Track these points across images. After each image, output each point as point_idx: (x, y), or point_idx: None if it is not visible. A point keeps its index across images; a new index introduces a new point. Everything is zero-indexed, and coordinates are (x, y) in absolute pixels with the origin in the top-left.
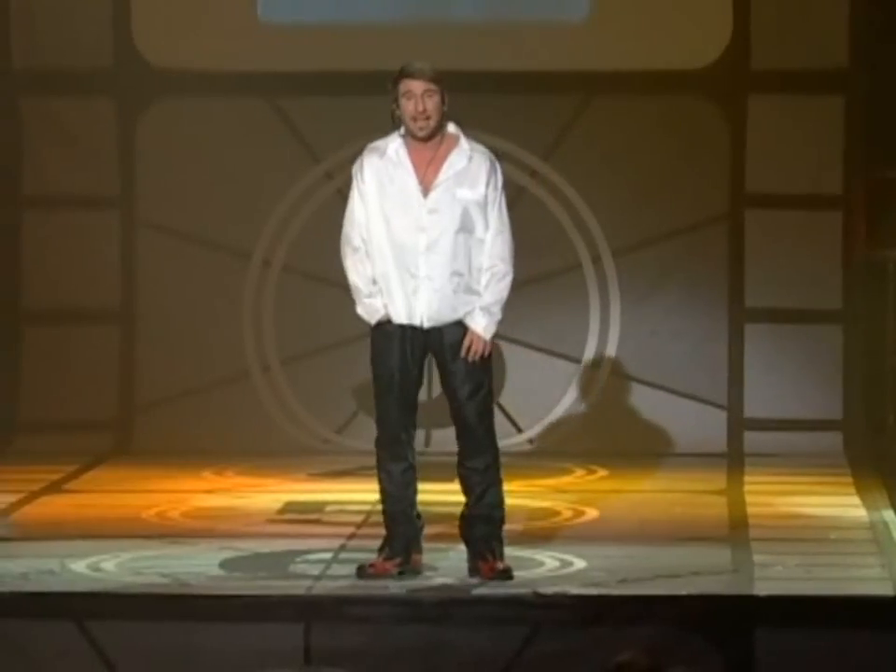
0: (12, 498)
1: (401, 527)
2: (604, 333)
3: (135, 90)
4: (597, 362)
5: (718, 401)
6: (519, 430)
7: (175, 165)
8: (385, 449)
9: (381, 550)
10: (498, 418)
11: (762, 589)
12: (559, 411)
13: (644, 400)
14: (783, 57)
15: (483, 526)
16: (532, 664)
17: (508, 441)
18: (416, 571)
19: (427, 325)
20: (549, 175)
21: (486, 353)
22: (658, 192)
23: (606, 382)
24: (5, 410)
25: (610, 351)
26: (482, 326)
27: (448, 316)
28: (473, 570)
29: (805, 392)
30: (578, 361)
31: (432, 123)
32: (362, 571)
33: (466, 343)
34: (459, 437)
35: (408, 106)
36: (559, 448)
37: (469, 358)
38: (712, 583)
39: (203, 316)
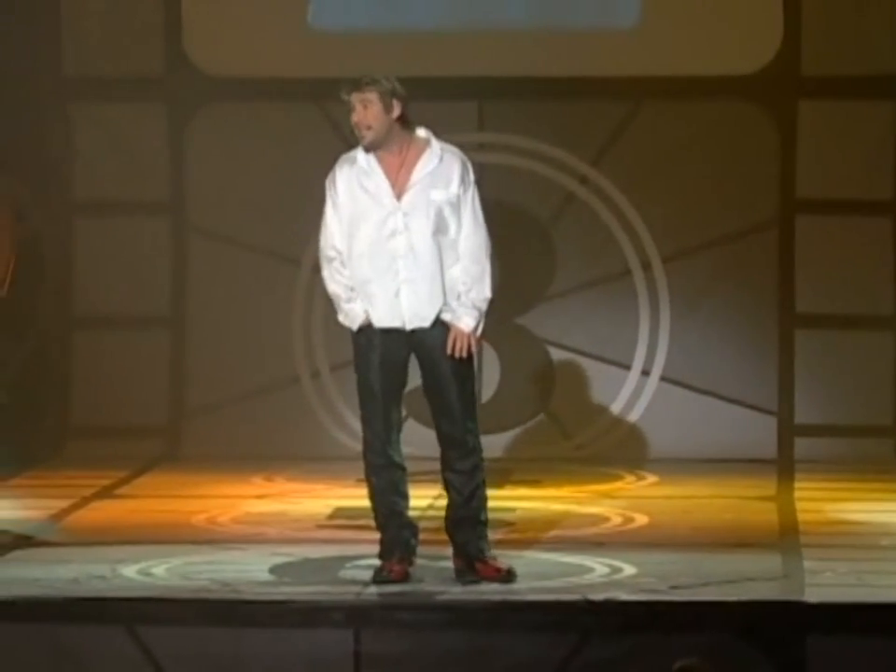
0: (63, 504)
1: (394, 531)
2: (653, 339)
3: (186, 96)
4: (647, 368)
5: (768, 407)
6: (568, 436)
7: (225, 171)
8: (372, 453)
9: (380, 556)
10: (547, 424)
11: (812, 595)
12: (608, 417)
13: (694, 406)
14: (833, 62)
15: (473, 528)
16: (581, 671)
17: (556, 446)
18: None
19: (409, 326)
20: (598, 181)
21: (472, 349)
22: (708, 198)
23: (655, 388)
24: (56, 416)
25: (660, 357)
26: (464, 322)
27: (430, 316)
28: (465, 571)
29: (856, 398)
30: (627, 367)
31: (373, 134)
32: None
33: (450, 340)
34: (442, 441)
35: (351, 118)
36: (608, 454)
37: (456, 355)
38: (763, 590)
39: (253, 322)
